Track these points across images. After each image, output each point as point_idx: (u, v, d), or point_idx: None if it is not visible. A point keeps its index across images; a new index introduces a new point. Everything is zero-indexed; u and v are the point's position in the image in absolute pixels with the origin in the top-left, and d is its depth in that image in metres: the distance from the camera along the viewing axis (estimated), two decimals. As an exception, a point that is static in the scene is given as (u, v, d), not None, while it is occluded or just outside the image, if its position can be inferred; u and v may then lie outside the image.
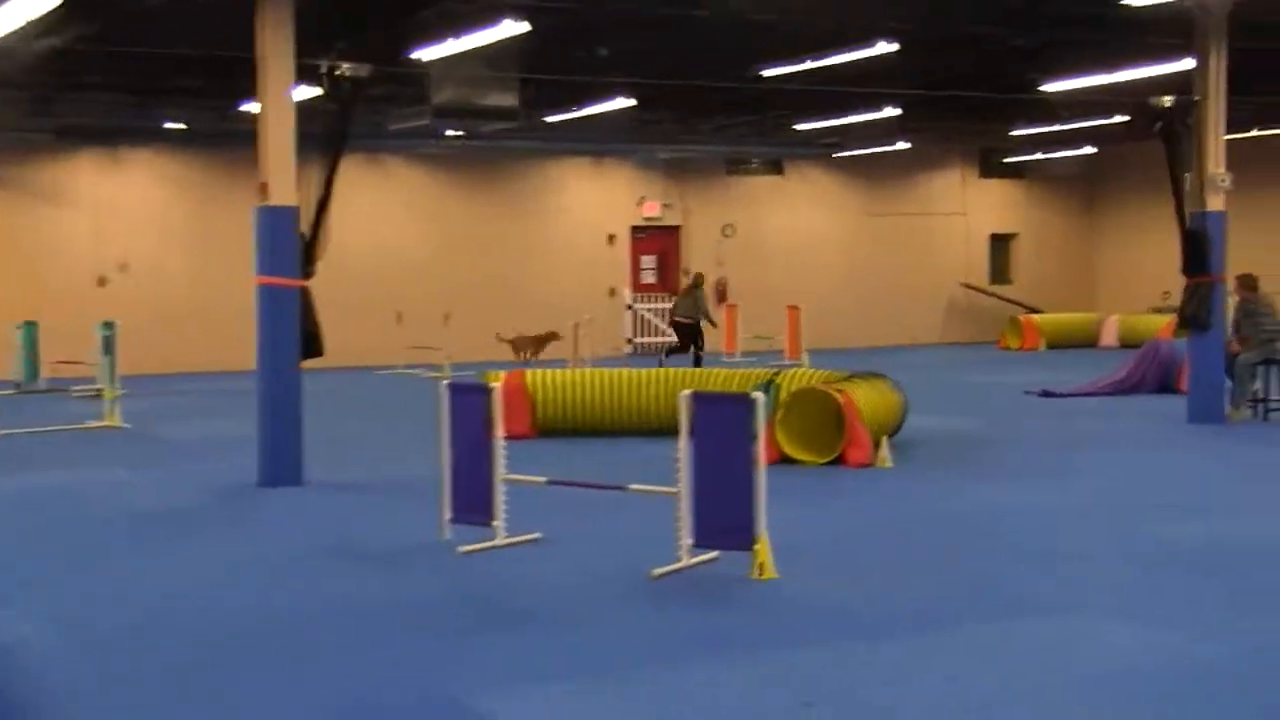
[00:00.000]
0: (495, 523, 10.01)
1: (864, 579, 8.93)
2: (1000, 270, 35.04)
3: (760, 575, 8.78)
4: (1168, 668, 6.91)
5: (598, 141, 28.90)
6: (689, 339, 25.14)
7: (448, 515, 10.18)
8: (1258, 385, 17.28)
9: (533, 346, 26.24)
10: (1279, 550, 9.63)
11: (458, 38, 15.57)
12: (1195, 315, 16.89)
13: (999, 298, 33.95)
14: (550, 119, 25.13)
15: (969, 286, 33.99)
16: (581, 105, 23.45)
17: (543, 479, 10.64)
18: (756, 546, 8.80)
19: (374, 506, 12.09)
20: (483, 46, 15.90)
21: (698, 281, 25.88)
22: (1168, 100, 16.59)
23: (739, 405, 8.92)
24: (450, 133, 25.63)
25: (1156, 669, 6.89)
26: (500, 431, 10.05)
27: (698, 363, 24.41)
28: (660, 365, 22.43)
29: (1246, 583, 8.66)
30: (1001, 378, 23.61)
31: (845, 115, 25.61)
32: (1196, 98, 16.77)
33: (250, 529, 11.18)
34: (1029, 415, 18.23)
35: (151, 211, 27.28)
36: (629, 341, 30.67)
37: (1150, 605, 8.14)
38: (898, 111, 24.53)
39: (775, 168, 32.58)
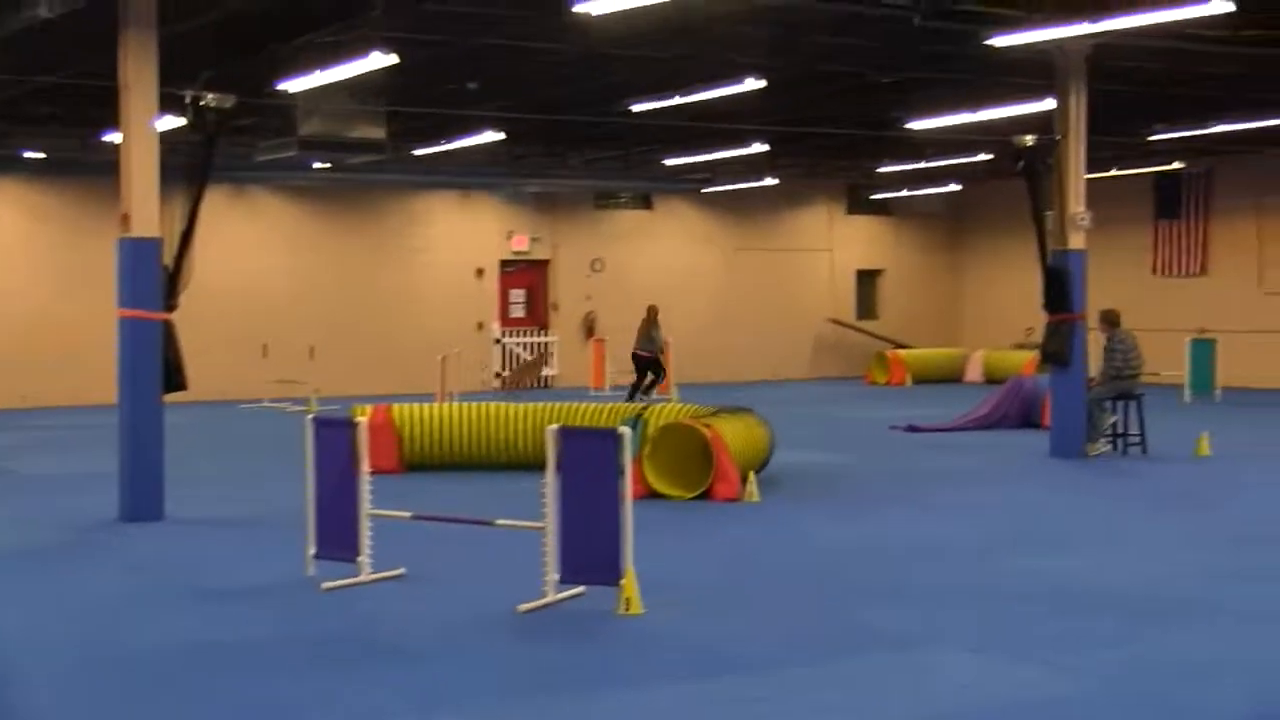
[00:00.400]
0: (360, 558, 9.93)
1: (729, 614, 9.00)
2: (867, 306, 35.52)
3: (627, 611, 8.81)
4: (1022, 703, 7.03)
5: (466, 175, 28.86)
6: (646, 371, 25.67)
7: (312, 551, 10.09)
8: (1115, 419, 17.70)
9: (527, 374, 26.88)
10: (1131, 585, 9.85)
11: (325, 69, 15.48)
12: (1057, 352, 17.27)
13: (866, 333, 34.40)
14: (418, 152, 25.07)
15: (836, 322, 34.41)
16: (450, 138, 23.44)
17: (408, 514, 10.60)
18: (623, 582, 8.84)
19: (236, 542, 11.94)
20: (351, 78, 15.83)
21: (652, 315, 26.15)
22: (1029, 139, 17.00)
23: (606, 440, 8.96)
24: (317, 165, 25.45)
25: (1011, 704, 7.02)
26: (366, 466, 9.99)
27: (646, 391, 25.23)
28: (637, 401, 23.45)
29: (1100, 617, 8.84)
30: (868, 413, 23.93)
31: (713, 151, 25.88)
32: (1057, 137, 17.19)
33: (109, 566, 10.98)
34: (894, 450, 18.50)
35: (9, 241, 26.69)
36: (497, 376, 30.59)
37: (1007, 640, 8.29)
38: (765, 148, 24.84)
39: (644, 202, 32.77)
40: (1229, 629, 8.46)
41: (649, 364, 25.64)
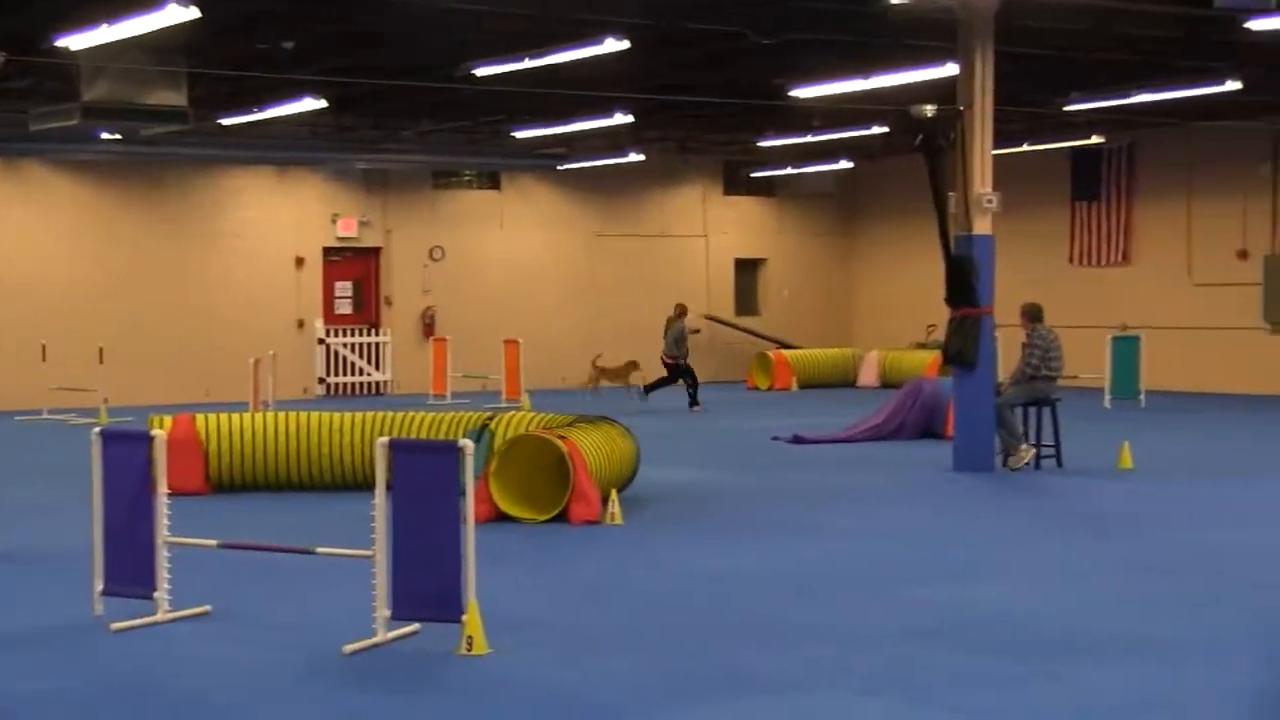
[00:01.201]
0: (157, 594, 9.82)
1: (587, 655, 9.04)
2: (747, 300, 35.79)
3: (469, 651, 8.81)
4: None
5: (283, 149, 28.64)
6: (679, 378, 26.64)
7: (99, 587, 9.95)
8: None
9: (612, 377, 28.24)
10: (1040, 618, 10.03)
11: (114, 23, 15.29)
12: (960, 352, 17.51)
13: (745, 331, 34.66)
14: (226, 122, 24.84)
15: (711, 318, 34.61)
16: (263, 107, 23.27)
17: (214, 542, 10.49)
18: (465, 618, 8.84)
19: (9, 578, 11.73)
20: (144, 35, 15.65)
21: (679, 313, 27.10)
22: (929, 110, 17.16)
23: (444, 455, 8.96)
24: (106, 136, 25.10)
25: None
26: (164, 487, 9.88)
27: (692, 399, 26.43)
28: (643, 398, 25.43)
29: (1005, 655, 9.00)
30: (747, 422, 24.13)
31: (570, 122, 25.94)
32: (961, 108, 17.45)
33: None
34: (777, 465, 18.68)
35: None
36: (321, 381, 30.38)
37: (900, 681, 8.40)
38: (629, 118, 24.96)
39: (491, 181, 32.74)
40: (1145, 667, 8.65)
41: (678, 371, 26.66)
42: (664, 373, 27.00)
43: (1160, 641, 9.24)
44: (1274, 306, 28.52)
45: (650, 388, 26.96)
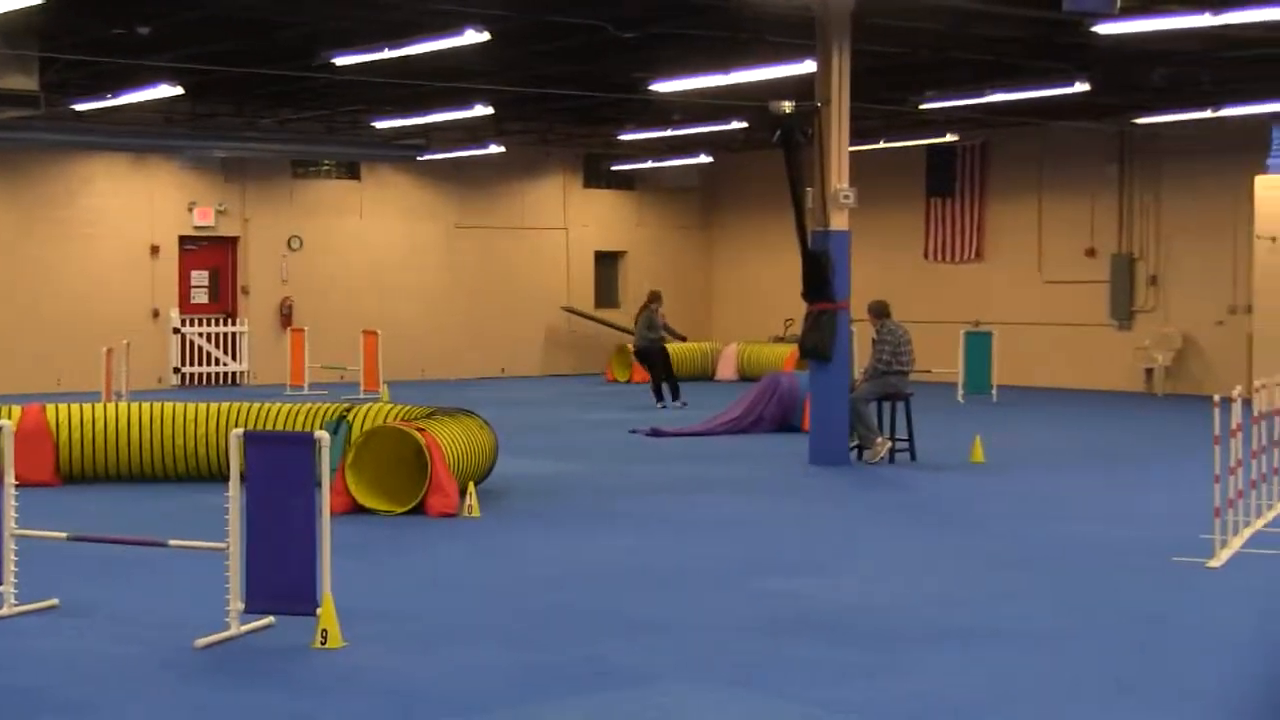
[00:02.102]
0: (3, 588, 9.63)
1: (443, 648, 8.97)
2: (607, 293, 35.81)
3: (324, 644, 8.72)
4: (779, 736, 7.18)
5: (139, 136, 28.17)
6: (653, 364, 25.91)
7: (-57, 581, 9.73)
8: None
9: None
10: (893, 609, 10.14)
11: (-41, 4, 14.95)
12: (816, 345, 17.63)
13: (605, 324, 34.67)
14: (79, 107, 24.40)
15: (571, 311, 34.60)
16: (118, 93, 22.87)
17: (64, 534, 10.28)
18: (320, 611, 8.74)
19: None
20: (-7, 16, 15.33)
21: (651, 298, 26.47)
22: (788, 106, 17.24)
23: (300, 446, 8.85)
24: (-48, 120, 24.56)
25: (767, 738, 7.16)
26: (12, 478, 9.67)
27: (673, 393, 25.55)
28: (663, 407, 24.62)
29: (859, 645, 9.07)
30: (607, 414, 24.14)
31: (430, 113, 25.79)
32: (819, 104, 17.55)
33: None
34: (635, 457, 18.70)
35: None
36: (176, 371, 29.94)
37: (757, 672, 8.43)
38: (490, 110, 24.85)
39: (350, 171, 32.45)
40: (996, 657, 8.76)
41: (648, 354, 26.03)
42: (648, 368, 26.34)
43: (1010, 632, 9.35)
44: (1120, 304, 29.08)
45: (658, 393, 25.79)
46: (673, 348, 27.49)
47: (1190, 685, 8.11)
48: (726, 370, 32.59)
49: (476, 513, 13.80)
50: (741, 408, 21.56)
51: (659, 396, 25.52)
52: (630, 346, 31.49)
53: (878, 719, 7.49)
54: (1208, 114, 24.60)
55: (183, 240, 30.46)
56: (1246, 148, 25.92)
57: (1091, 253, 29.61)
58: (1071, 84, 21.60)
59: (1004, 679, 8.25)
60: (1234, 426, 11.98)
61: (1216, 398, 11.97)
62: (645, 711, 7.63)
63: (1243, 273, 26.79)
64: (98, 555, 11.02)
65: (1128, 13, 15.94)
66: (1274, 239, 24.95)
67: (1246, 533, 12.52)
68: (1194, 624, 9.65)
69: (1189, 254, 28.20)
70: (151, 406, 16.30)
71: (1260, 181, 25.27)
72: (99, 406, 16.52)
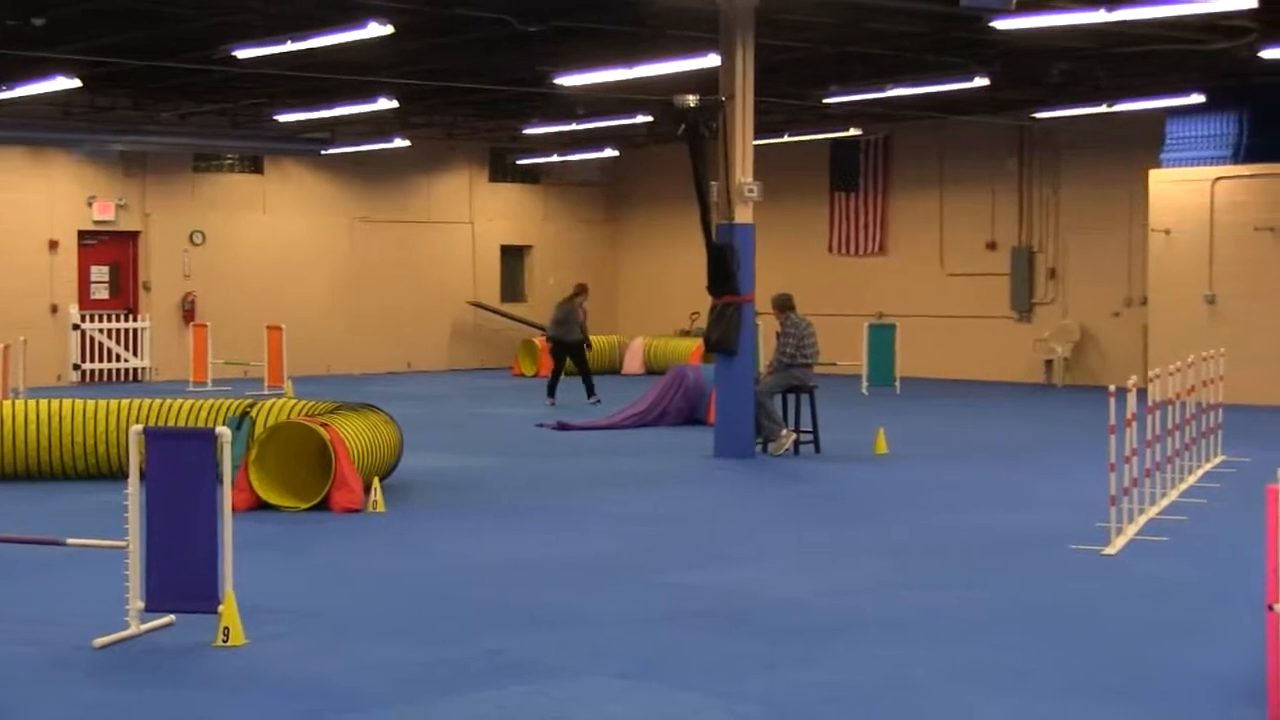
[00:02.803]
0: (-103, 590, 9.49)
1: (344, 643, 8.93)
2: (513, 287, 35.75)
3: (226, 642, 8.65)
4: (683, 729, 7.20)
5: (35, 130, 27.81)
6: (564, 359, 25.20)
7: None
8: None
9: None
10: (796, 601, 10.18)
11: None
12: (722, 338, 17.70)
13: (512, 318, 34.62)
14: (-25, 100, 24.06)
15: (478, 305, 34.52)
16: (13, 85, 22.54)
17: (-42, 535, 10.16)
18: (221, 609, 8.67)
19: None
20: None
21: (577, 290, 25.86)
22: (692, 100, 17.28)
23: (201, 442, 8.77)
24: None
25: (670, 730, 7.17)
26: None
27: (588, 390, 24.79)
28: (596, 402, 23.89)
29: (761, 638, 9.11)
30: (513, 409, 24.10)
31: (334, 106, 25.63)
32: (723, 98, 17.60)
33: None
34: (541, 452, 18.68)
35: None
36: (76, 368, 29.58)
37: (660, 665, 8.45)
38: (394, 104, 24.74)
39: (253, 165, 32.20)
40: (897, 647, 8.82)
41: (572, 352, 25.22)
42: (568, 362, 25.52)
43: (910, 622, 9.43)
44: (1021, 296, 29.37)
45: (552, 390, 25.22)
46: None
47: (1084, 671, 8.21)
48: (633, 364, 32.62)
49: (381, 508, 13.74)
50: (648, 401, 21.59)
51: (551, 393, 24.93)
52: (540, 340, 31.47)
53: (778, 709, 7.52)
54: (1103, 109, 24.89)
55: (82, 235, 30.09)
56: (1141, 142, 26.23)
57: (992, 246, 29.89)
58: (971, 79, 21.78)
59: (903, 668, 8.31)
60: (1129, 416, 12.13)
61: (1112, 388, 12.11)
62: (547, 704, 7.63)
63: (1138, 265, 27.13)
64: (-5, 554, 10.90)
65: (1025, 9, 16.11)
66: (1168, 232, 25.28)
67: (1141, 520, 12.70)
68: (1090, 611, 9.75)
69: (1087, 247, 28.53)
70: (50, 404, 16.08)
71: (1154, 175, 25.59)
72: (-4, 404, 16.30)
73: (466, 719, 7.39)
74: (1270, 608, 5.76)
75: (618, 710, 7.54)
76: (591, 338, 32.08)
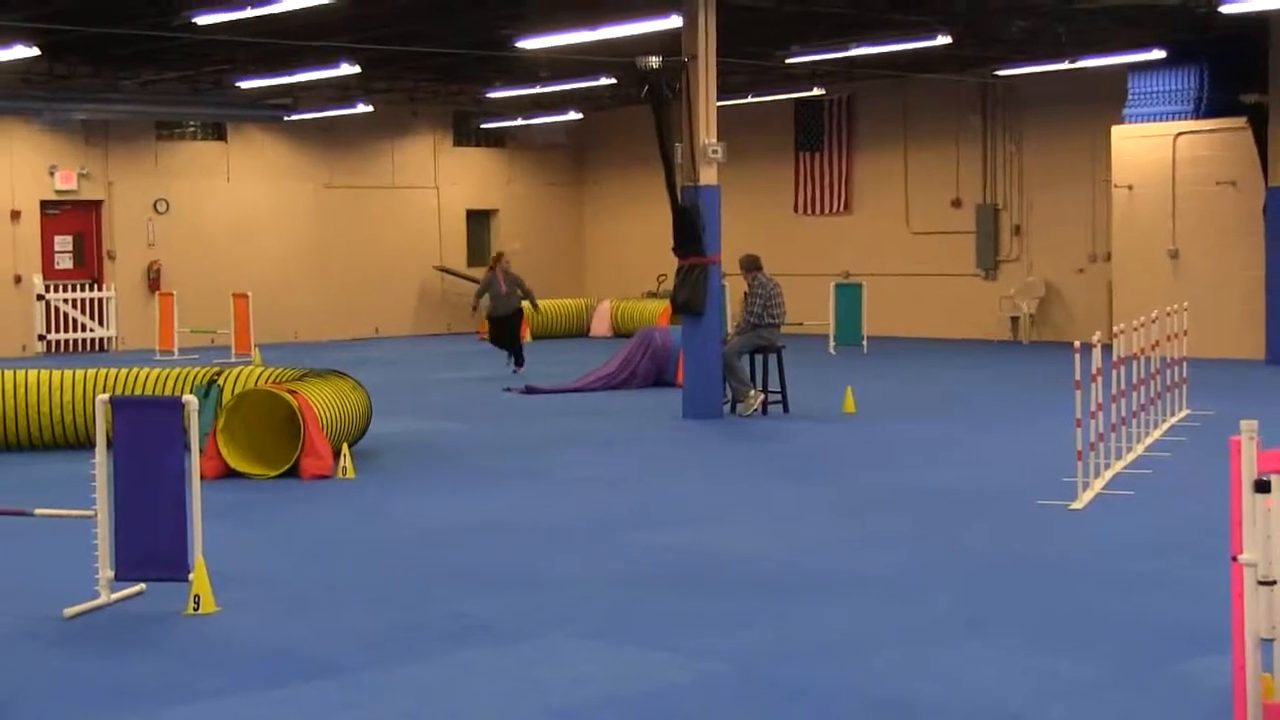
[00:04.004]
0: None
1: (314, 609, 8.95)
2: (479, 251, 35.65)
3: (197, 610, 8.66)
4: (647, 693, 7.23)
5: (-5, 98, 27.66)
6: (501, 336, 24.02)
7: None
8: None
9: None
10: (763, 560, 10.25)
11: None
12: (689, 300, 17.72)
13: (478, 282, 34.49)
14: (-66, 69, 23.87)
15: (444, 270, 34.47)
16: (-28, 53, 22.38)
17: (-75, 507, 10.13)
18: (192, 576, 8.67)
19: None
20: None
21: (496, 259, 24.84)
22: (655, 61, 17.25)
23: (169, 411, 8.76)
24: None
25: (636, 695, 7.21)
26: None
27: (516, 359, 23.72)
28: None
29: (729, 596, 9.17)
30: (481, 373, 24.07)
31: (296, 72, 25.51)
32: (686, 59, 17.57)
33: None
34: (509, 416, 18.69)
35: None
36: (41, 339, 29.46)
37: (627, 625, 8.50)
38: (356, 69, 24.63)
39: (216, 132, 32.05)
40: (864, 605, 8.88)
41: (507, 324, 24.02)
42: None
43: (877, 579, 9.49)
44: (986, 253, 29.45)
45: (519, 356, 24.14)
46: (542, 305, 27.22)
47: (1047, 623, 8.28)
48: (600, 327, 32.63)
49: (351, 474, 13.74)
50: (616, 363, 21.61)
51: (519, 360, 23.92)
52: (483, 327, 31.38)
53: (745, 666, 7.57)
54: (1065, 65, 24.92)
55: (44, 205, 29.94)
56: (1103, 98, 26.27)
57: (957, 203, 29.95)
58: (934, 37, 21.77)
59: (868, 624, 8.38)
60: (1095, 371, 12.19)
61: (1077, 344, 12.17)
62: (514, 665, 7.66)
63: (1101, 221, 27.24)
64: (-37, 526, 10.88)
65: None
66: (1130, 188, 25.34)
67: (1108, 474, 12.78)
68: (1055, 564, 9.83)
69: (1050, 204, 28.60)
70: (15, 374, 16.02)
71: (1117, 131, 25.64)
72: (-38, 375, 16.22)
73: (435, 682, 7.42)
74: (1234, 559, 5.81)
75: (586, 670, 7.57)
76: (554, 301, 32.09)
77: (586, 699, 7.12)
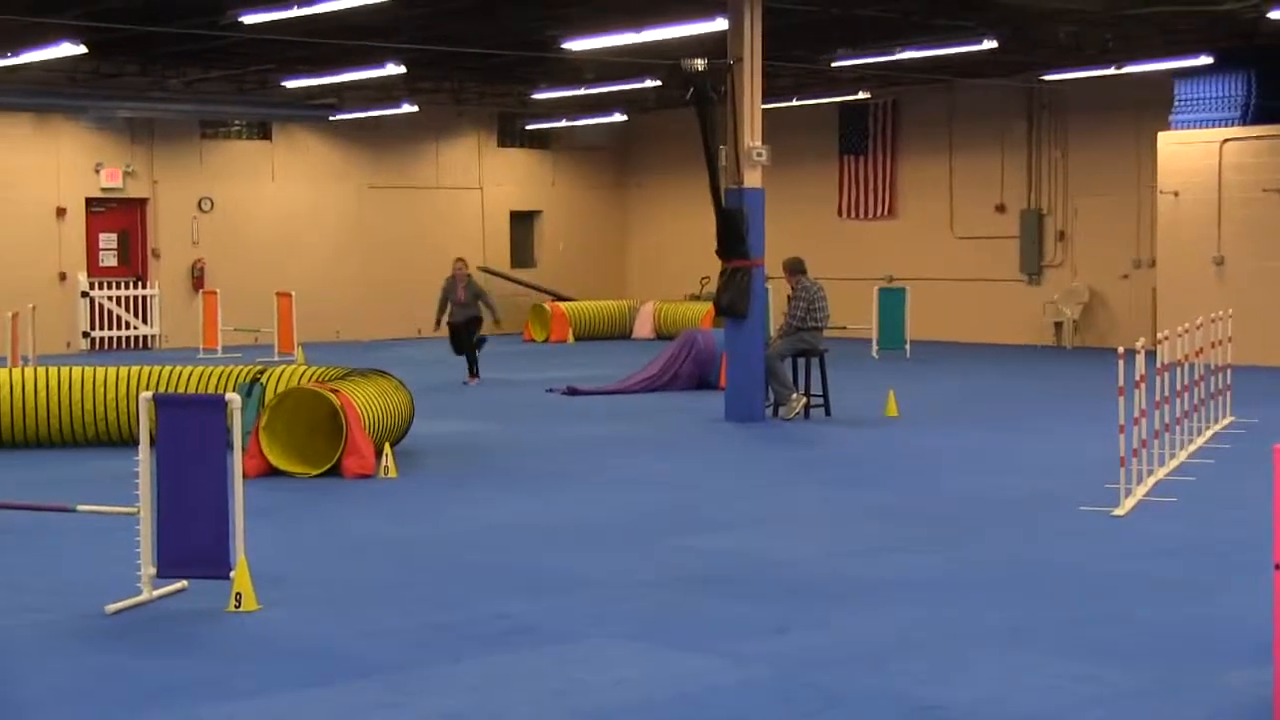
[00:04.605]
0: (-89, 557, 9.53)
1: (355, 609, 8.96)
2: (522, 252, 35.75)
3: (238, 608, 8.69)
4: (688, 696, 7.23)
5: (42, 96, 27.80)
6: (459, 342, 23.36)
7: None
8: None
9: None
10: (803, 565, 10.21)
11: None
12: (732, 303, 17.71)
13: (521, 283, 34.63)
14: (-18, 67, 24.06)
15: (487, 271, 34.49)
16: (18, 50, 22.52)
17: (-30, 502, 10.20)
18: (234, 574, 8.71)
19: None
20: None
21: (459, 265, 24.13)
22: (700, 63, 17.23)
23: (211, 409, 8.80)
24: None
25: (676, 697, 7.20)
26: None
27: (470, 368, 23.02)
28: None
29: (768, 600, 9.16)
30: (523, 374, 24.12)
31: (342, 72, 25.62)
32: (731, 61, 17.56)
33: None
34: (552, 417, 18.70)
35: None
36: (85, 336, 29.63)
37: (668, 628, 8.49)
38: (402, 69, 24.70)
39: (261, 132, 32.18)
40: (905, 611, 8.84)
41: (452, 334, 23.40)
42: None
43: (919, 583, 9.46)
44: (1030, 259, 29.34)
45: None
46: (585, 306, 27.24)
47: (1085, 630, 8.24)
48: (643, 329, 32.64)
49: (394, 474, 13.78)
50: (658, 366, 21.60)
51: (474, 371, 23.10)
52: (550, 304, 31.56)
53: (785, 670, 7.56)
54: (1112, 71, 24.81)
55: (90, 202, 30.12)
56: (1150, 104, 26.16)
57: (1001, 209, 29.84)
58: (979, 42, 21.72)
59: (908, 629, 8.34)
60: (1139, 378, 12.13)
61: (1121, 349, 12.11)
62: (555, 667, 7.67)
63: (1146, 227, 27.12)
64: (4, 522, 10.93)
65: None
66: (1176, 194, 25.21)
67: (1151, 481, 12.72)
68: (1096, 571, 9.77)
69: (1095, 209, 28.48)
70: (60, 371, 16.12)
71: (1163, 137, 25.52)
72: (5, 372, 16.32)
73: (475, 683, 7.43)
74: (1277, 567, 5.78)
75: (626, 674, 7.58)
76: (597, 303, 32.15)
77: (626, 701, 7.12)
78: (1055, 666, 7.59)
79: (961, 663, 7.69)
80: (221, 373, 15.91)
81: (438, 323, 23.51)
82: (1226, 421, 16.51)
